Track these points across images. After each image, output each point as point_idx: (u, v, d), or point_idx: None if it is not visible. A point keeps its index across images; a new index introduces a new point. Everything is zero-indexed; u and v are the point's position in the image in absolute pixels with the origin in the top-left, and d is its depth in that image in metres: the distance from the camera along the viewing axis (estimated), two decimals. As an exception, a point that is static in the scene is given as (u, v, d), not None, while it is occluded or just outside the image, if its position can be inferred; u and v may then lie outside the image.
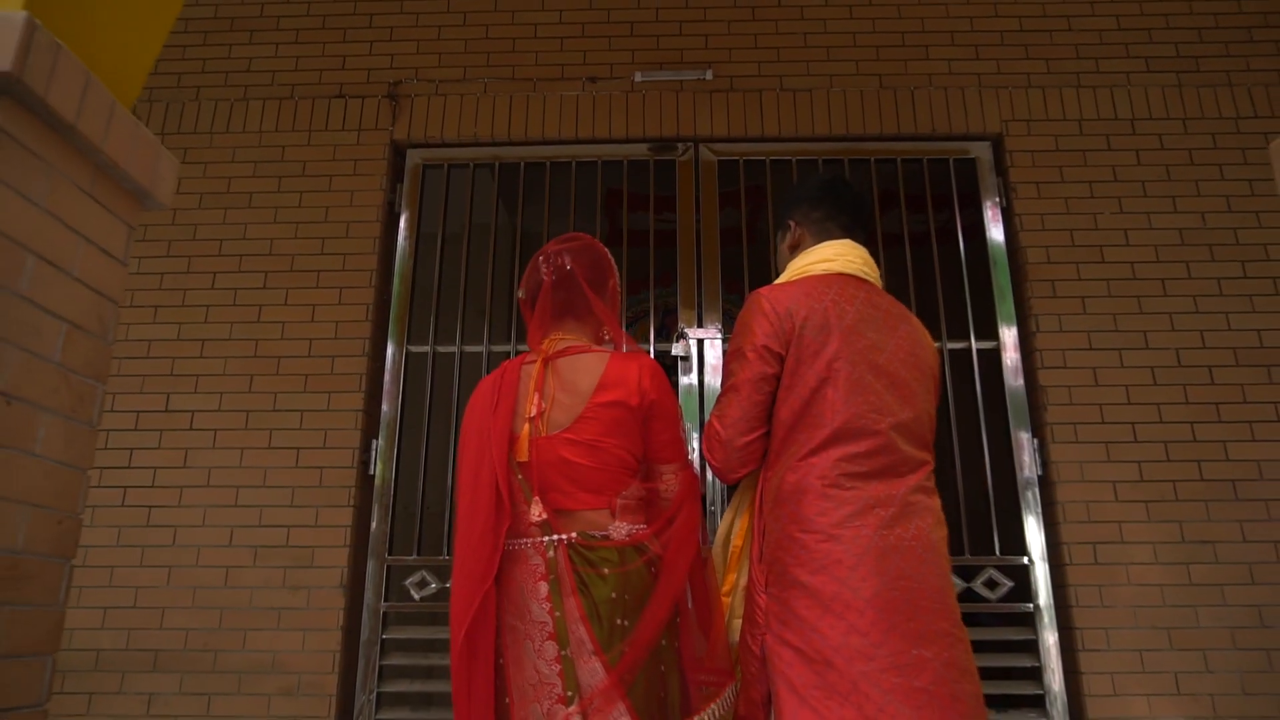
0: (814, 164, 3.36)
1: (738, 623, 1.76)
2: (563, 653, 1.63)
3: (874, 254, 3.27)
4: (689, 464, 1.86)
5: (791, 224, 2.03)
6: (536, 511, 1.71)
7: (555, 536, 1.71)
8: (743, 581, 1.77)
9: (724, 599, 1.77)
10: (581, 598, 1.65)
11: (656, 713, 1.65)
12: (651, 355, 3.13)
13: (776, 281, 1.93)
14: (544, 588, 1.68)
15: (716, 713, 1.65)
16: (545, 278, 1.92)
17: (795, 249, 2.01)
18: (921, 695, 1.55)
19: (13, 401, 1.28)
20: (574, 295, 1.91)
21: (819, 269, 1.92)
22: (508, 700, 1.69)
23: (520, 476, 1.76)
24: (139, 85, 1.60)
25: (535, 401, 1.79)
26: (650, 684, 1.65)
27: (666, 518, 1.75)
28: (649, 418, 1.79)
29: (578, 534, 1.71)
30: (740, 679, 1.70)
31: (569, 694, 1.60)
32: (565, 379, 1.81)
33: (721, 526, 1.87)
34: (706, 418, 2.89)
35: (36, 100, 1.30)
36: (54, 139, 1.37)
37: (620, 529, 1.72)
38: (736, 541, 1.79)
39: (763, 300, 1.81)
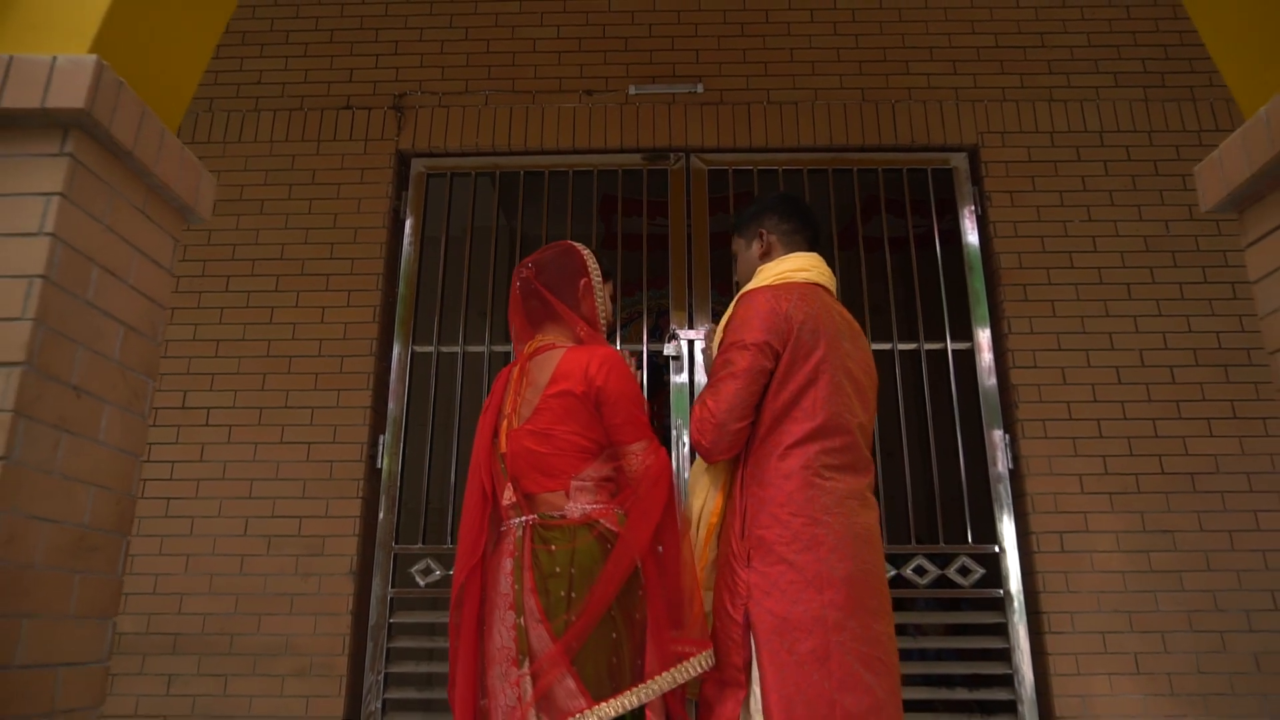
0: (800, 174, 3.57)
1: (710, 594, 1.96)
2: (518, 620, 1.85)
3: (856, 259, 3.49)
4: (658, 447, 2.00)
5: (763, 233, 2.23)
6: (508, 496, 1.93)
7: (523, 518, 1.94)
8: (712, 556, 1.98)
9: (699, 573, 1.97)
10: (534, 571, 1.86)
11: (607, 678, 1.82)
12: (645, 354, 3.35)
13: (753, 285, 2.13)
14: (509, 563, 1.91)
15: (676, 678, 1.84)
16: (514, 290, 2.15)
17: (765, 257, 2.20)
18: (876, 663, 1.80)
19: (81, 394, 1.48)
20: (540, 302, 2.12)
21: (799, 277, 2.12)
22: (485, 665, 1.91)
23: (502, 466, 1.97)
24: (183, 110, 1.80)
25: (510, 399, 2.01)
26: (600, 651, 1.83)
27: (627, 495, 1.95)
28: (599, 403, 1.97)
29: (538, 515, 1.94)
30: (715, 647, 1.90)
31: (520, 657, 1.82)
32: (531, 376, 2.04)
33: (693, 506, 2.06)
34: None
35: (103, 132, 1.50)
36: (115, 164, 1.57)
37: (575, 509, 1.92)
38: (712, 520, 1.99)
39: (766, 300, 2.00)
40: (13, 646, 1.33)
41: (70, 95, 1.44)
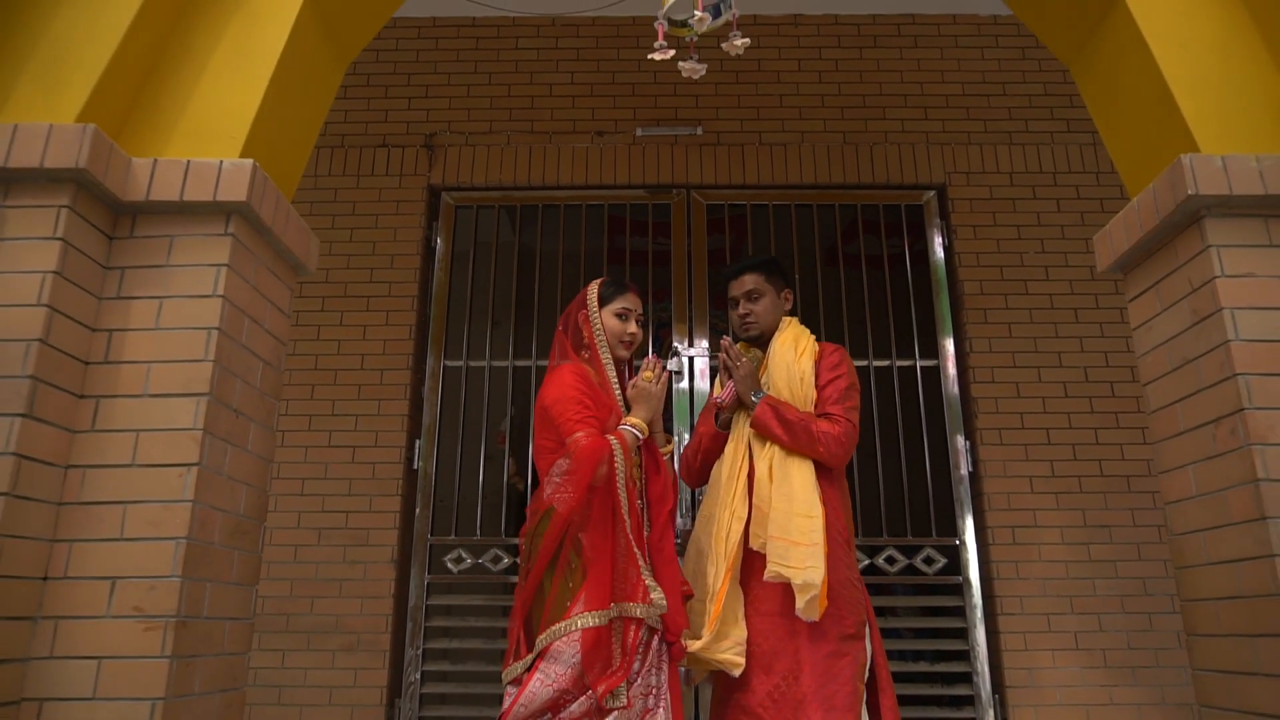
0: (788, 208, 4.11)
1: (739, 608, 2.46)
2: None
3: (836, 283, 4.01)
4: (586, 437, 2.29)
5: (789, 294, 2.82)
6: None
7: None
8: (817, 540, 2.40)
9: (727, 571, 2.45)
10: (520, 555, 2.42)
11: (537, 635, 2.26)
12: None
13: (805, 334, 2.70)
14: None
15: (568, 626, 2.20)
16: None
17: (788, 312, 2.80)
18: None
19: (239, 415, 2.01)
20: (560, 340, 2.64)
21: None
22: None
23: None
24: (297, 182, 2.33)
25: None
26: (536, 610, 2.27)
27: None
28: (544, 410, 2.45)
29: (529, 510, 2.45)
30: (839, 608, 2.39)
31: None
32: None
33: (813, 501, 2.44)
34: (694, 421, 3.58)
35: (254, 215, 2.02)
36: (258, 238, 2.10)
37: (542, 498, 2.35)
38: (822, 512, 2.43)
39: (847, 354, 2.70)
40: (200, 603, 1.86)
41: (234, 191, 1.96)
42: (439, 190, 4.15)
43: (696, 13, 2.37)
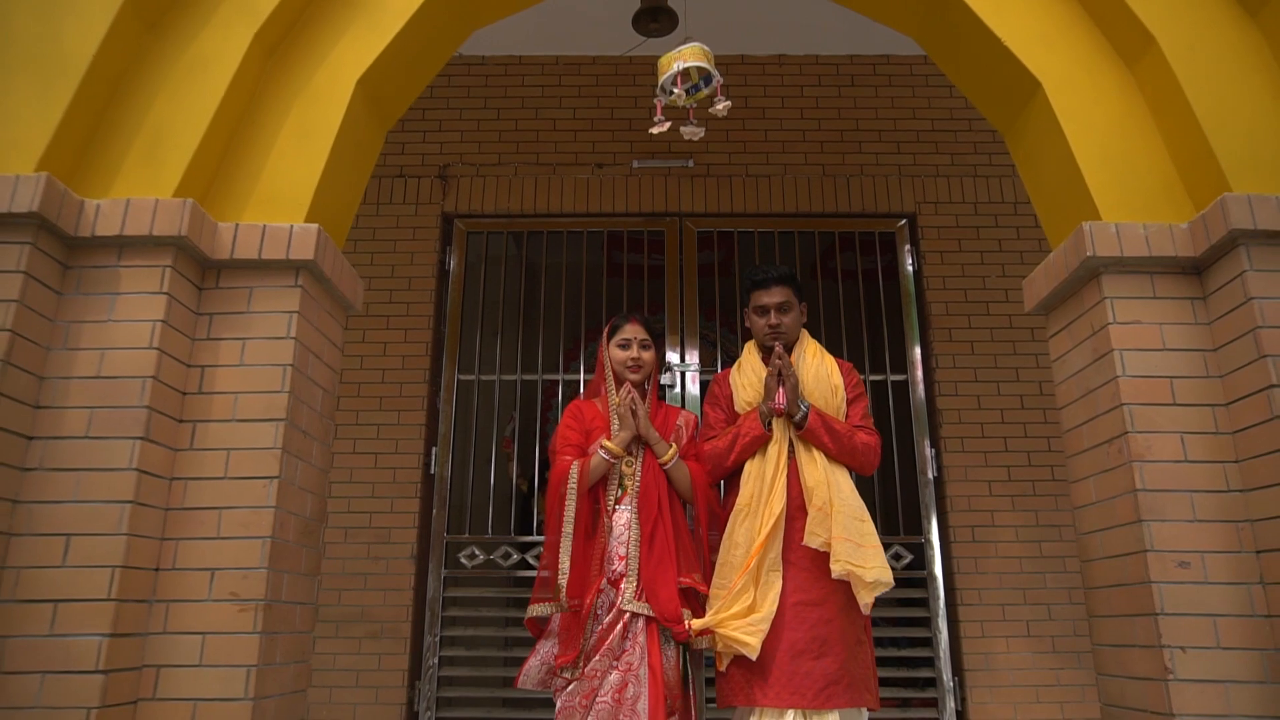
0: (772, 235, 4.58)
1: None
2: None
3: (815, 306, 4.48)
4: (556, 465, 2.86)
5: (805, 308, 3.10)
6: None
7: None
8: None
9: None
10: None
11: None
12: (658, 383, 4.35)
13: (814, 343, 3.03)
14: None
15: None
16: None
17: (804, 326, 3.09)
18: None
19: (306, 435, 2.48)
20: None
21: None
22: None
23: None
24: (347, 232, 2.79)
25: None
26: None
27: None
28: None
29: None
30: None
31: None
32: None
33: (853, 501, 2.79)
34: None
35: (318, 270, 2.49)
36: (320, 287, 2.57)
37: None
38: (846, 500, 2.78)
39: None
40: (280, 589, 2.33)
41: (303, 250, 2.43)
42: (452, 217, 4.62)
43: (675, 90, 2.85)
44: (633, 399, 2.90)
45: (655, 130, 2.89)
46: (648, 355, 3.01)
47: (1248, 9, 2.53)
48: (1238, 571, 2.23)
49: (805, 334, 3.07)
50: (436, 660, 4.07)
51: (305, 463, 2.48)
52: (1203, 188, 2.45)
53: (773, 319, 2.97)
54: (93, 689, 2.04)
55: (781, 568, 2.72)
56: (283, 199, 2.52)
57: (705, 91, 3.04)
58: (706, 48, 2.97)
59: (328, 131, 2.57)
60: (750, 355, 3.07)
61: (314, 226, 2.47)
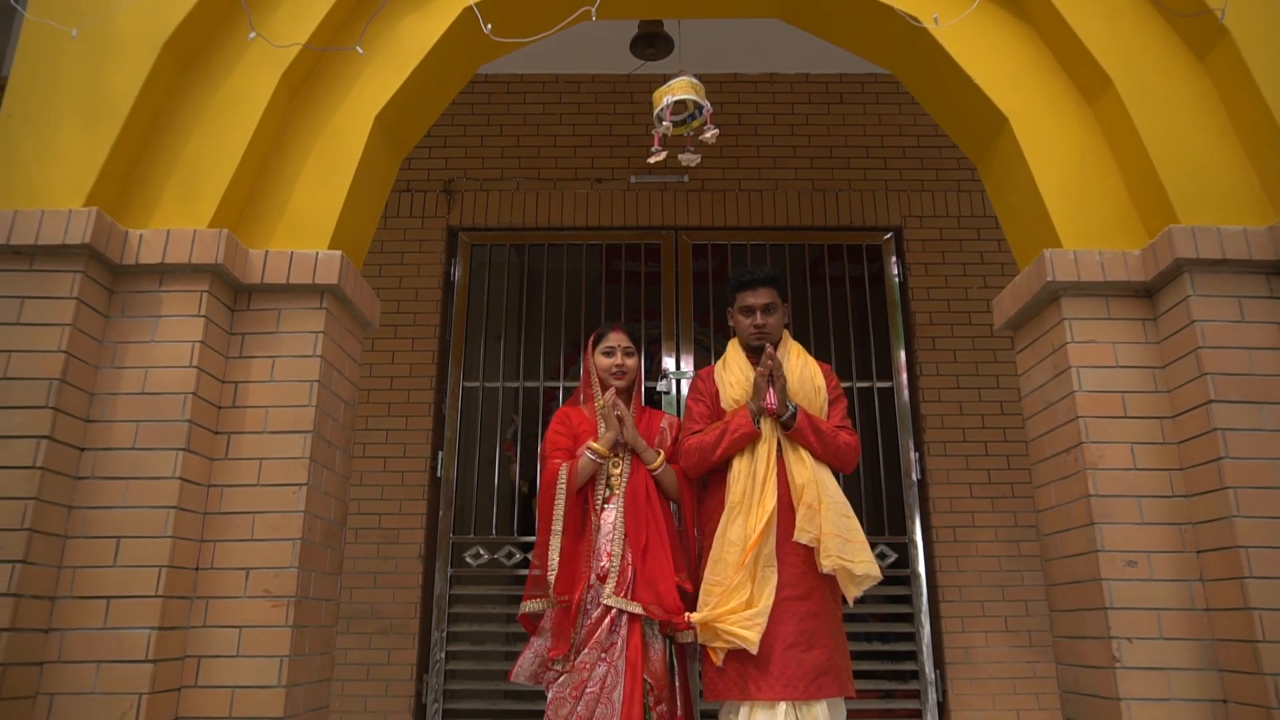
0: (764, 247, 4.83)
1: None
2: None
3: (805, 317, 4.72)
4: (545, 469, 3.08)
5: (787, 308, 3.26)
6: None
7: None
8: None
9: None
10: None
11: None
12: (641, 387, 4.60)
13: (796, 344, 3.18)
14: None
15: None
16: None
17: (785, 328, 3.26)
18: None
19: (330, 445, 2.72)
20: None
21: None
22: None
23: None
24: (365, 254, 3.03)
25: None
26: None
27: None
28: None
29: None
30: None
31: None
32: None
33: (839, 497, 2.97)
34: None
35: (341, 292, 2.73)
36: (343, 308, 2.81)
37: None
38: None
39: None
40: (309, 587, 2.57)
41: (328, 275, 2.67)
42: (456, 230, 4.85)
43: (665, 121, 3.10)
44: (616, 403, 3.07)
45: (653, 160, 3.14)
46: (631, 362, 3.19)
47: (1196, 53, 2.77)
48: (1180, 570, 2.48)
49: (787, 334, 3.21)
50: (443, 654, 4.32)
51: (329, 470, 2.72)
52: (1154, 218, 2.70)
53: (758, 319, 3.08)
54: (143, 677, 2.29)
55: (776, 564, 2.85)
56: (308, 227, 2.76)
57: (698, 121, 3.29)
58: (695, 80, 3.22)
59: (349, 164, 2.81)
60: (736, 354, 3.17)
61: (337, 253, 2.71)
